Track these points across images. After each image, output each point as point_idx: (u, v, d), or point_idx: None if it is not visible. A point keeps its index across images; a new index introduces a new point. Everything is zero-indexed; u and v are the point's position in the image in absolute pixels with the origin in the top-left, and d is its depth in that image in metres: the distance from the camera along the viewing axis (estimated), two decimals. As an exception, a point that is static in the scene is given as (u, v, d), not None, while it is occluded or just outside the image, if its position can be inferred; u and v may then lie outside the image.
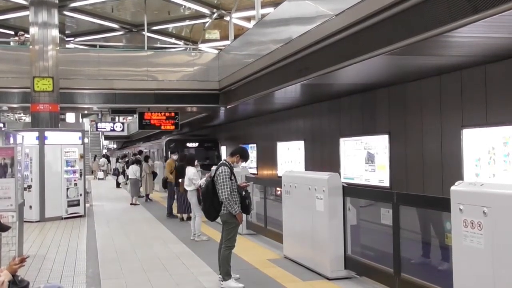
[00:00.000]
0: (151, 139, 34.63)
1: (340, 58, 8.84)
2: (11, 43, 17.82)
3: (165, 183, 13.98)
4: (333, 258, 6.33)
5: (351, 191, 6.58)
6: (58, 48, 15.38)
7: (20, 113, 35.68)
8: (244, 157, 6.64)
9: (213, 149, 23.78)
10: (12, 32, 21.78)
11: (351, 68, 8.94)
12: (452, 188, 4.16)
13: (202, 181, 9.01)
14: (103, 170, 33.15)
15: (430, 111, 10.55)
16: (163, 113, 17.59)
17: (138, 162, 17.54)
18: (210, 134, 28.54)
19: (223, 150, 25.80)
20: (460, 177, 8.98)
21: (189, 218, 11.57)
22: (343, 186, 6.44)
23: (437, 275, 6.39)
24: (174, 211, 12.63)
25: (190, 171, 9.78)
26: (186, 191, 10.02)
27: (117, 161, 32.80)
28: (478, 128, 9.04)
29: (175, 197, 12.41)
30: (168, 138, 24.80)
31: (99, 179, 31.57)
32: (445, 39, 7.01)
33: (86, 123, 48.36)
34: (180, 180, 10.98)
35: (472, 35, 6.77)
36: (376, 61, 8.45)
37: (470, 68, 9.32)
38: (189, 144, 23.35)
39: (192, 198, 9.70)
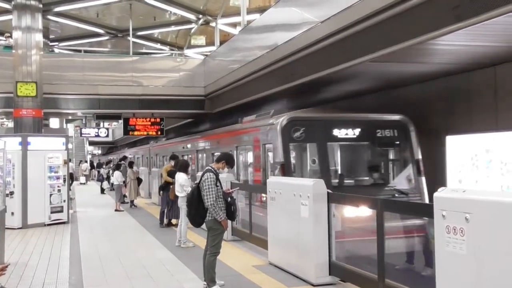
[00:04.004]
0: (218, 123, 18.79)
1: (325, 64, 8.89)
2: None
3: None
4: (317, 264, 6.33)
5: (336, 197, 6.60)
6: (42, 52, 15.25)
7: (2, 118, 35.23)
8: (230, 163, 6.65)
9: (395, 144, 10.38)
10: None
11: (336, 75, 9.00)
12: (435, 194, 4.19)
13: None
14: (85, 175, 32.91)
15: (415, 118, 10.63)
16: (148, 119, 17.51)
17: (119, 167, 17.42)
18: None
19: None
20: (443, 183, 9.06)
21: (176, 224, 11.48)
22: (328, 192, 6.46)
23: (420, 281, 6.44)
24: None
25: (181, 177, 9.76)
26: (177, 197, 9.99)
27: (101, 166, 32.57)
28: (462, 135, 9.14)
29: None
30: (290, 118, 9.72)
31: (81, 183, 31.37)
32: (429, 47, 7.11)
33: (70, 128, 47.86)
34: (171, 186, 10.90)
35: (455, 43, 6.88)
36: (361, 68, 8.52)
37: (454, 76, 9.42)
38: (336, 131, 9.73)
39: (183, 205, 9.66)
